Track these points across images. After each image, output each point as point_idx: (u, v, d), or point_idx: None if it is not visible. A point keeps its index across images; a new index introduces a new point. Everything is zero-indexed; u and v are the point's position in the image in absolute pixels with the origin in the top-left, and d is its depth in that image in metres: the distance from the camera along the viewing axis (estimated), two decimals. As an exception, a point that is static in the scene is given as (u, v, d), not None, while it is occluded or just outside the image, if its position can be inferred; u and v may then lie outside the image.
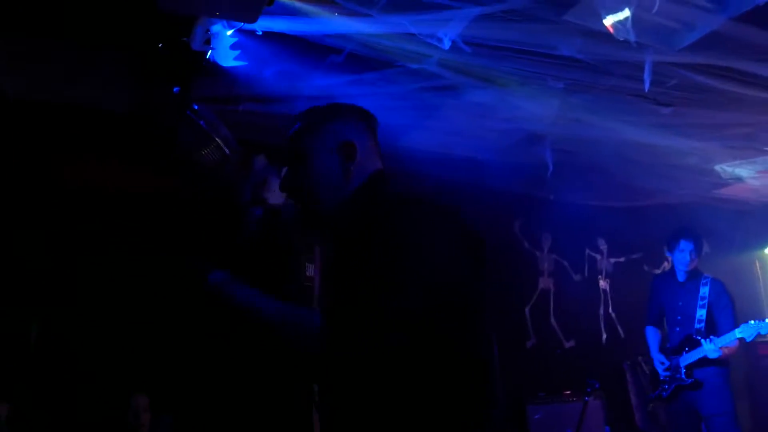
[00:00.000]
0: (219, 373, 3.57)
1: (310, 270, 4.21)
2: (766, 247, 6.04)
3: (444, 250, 1.21)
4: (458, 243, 1.25)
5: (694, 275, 4.19)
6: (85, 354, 3.36)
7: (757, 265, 6.12)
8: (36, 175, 3.25)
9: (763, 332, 3.91)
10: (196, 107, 2.88)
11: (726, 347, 3.93)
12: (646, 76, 3.18)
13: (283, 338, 1.24)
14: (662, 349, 4.24)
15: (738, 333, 3.90)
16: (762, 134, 4.07)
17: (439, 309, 1.13)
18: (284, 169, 1.43)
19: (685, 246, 4.20)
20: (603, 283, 5.60)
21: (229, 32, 2.57)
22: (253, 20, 2.35)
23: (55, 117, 3.12)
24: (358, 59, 3.30)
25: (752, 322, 3.92)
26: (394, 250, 1.15)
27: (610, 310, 5.56)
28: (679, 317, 4.19)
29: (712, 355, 3.93)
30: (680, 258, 4.23)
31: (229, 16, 2.31)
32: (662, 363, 4.14)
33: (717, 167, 4.56)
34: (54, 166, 3.23)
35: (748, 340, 3.94)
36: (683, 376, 4.04)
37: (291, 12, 2.61)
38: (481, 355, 1.20)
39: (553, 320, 5.29)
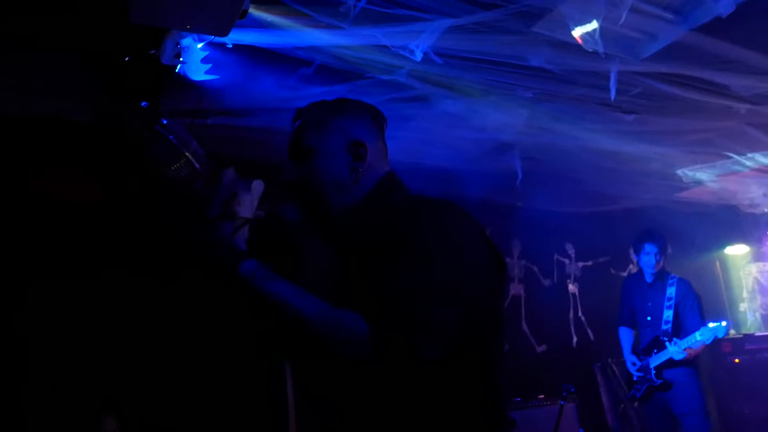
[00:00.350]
0: (191, 392, 3.48)
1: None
2: (725, 247, 6.26)
3: (481, 257, 1.19)
4: (489, 248, 1.23)
5: (661, 276, 4.31)
6: (49, 373, 3.21)
7: (718, 264, 6.33)
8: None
9: (720, 335, 4.03)
10: (165, 122, 2.81)
11: (690, 348, 4.04)
12: (612, 85, 3.26)
13: (326, 342, 1.06)
14: (634, 350, 4.33)
15: (698, 336, 4.02)
16: (720, 139, 4.21)
17: (477, 317, 1.13)
18: (285, 172, 1.33)
19: (649, 249, 4.32)
20: (572, 287, 5.70)
21: (200, 45, 2.53)
22: (225, 33, 2.31)
23: (14, 127, 3.01)
24: (329, 71, 3.29)
25: (711, 325, 4.03)
26: (440, 256, 1.10)
27: (580, 313, 5.66)
28: (648, 318, 4.30)
29: (677, 356, 4.04)
30: (646, 261, 4.35)
31: (201, 29, 2.27)
32: (634, 364, 4.24)
33: (679, 171, 4.70)
34: (12, 178, 3.12)
35: (708, 342, 4.05)
36: (653, 377, 4.14)
37: (262, 25, 2.58)
38: (498, 368, 1.21)
39: (524, 326, 5.35)
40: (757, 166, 4.56)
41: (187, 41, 2.44)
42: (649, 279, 4.35)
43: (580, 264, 5.80)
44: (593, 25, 2.55)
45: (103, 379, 3.22)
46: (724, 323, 4.03)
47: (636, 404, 4.43)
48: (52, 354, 3.10)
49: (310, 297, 1.10)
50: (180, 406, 3.41)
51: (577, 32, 2.61)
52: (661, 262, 4.33)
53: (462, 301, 1.11)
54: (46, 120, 3.04)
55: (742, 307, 6.22)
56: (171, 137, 2.96)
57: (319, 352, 1.10)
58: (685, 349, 4.03)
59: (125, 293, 3.33)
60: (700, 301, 4.23)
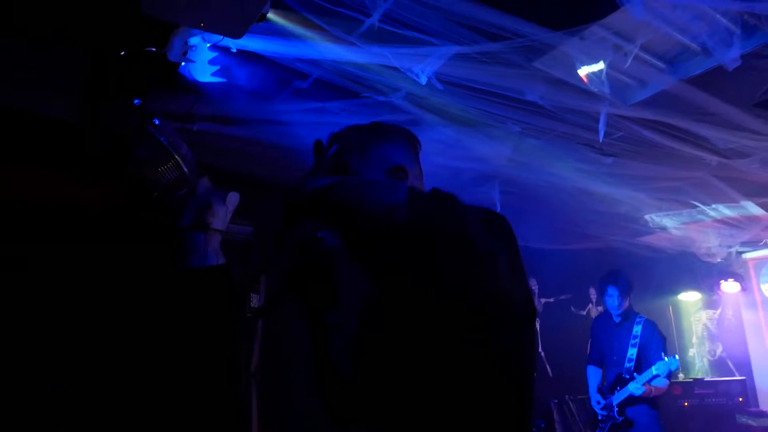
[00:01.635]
0: (148, 405, 3.27)
1: (254, 300, 4.03)
2: (679, 293, 6.49)
3: None
4: None
5: (628, 316, 4.42)
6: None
7: (671, 309, 6.54)
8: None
9: (673, 368, 4.18)
10: (157, 122, 2.69)
11: (652, 386, 4.12)
12: (601, 127, 3.35)
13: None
14: (600, 389, 4.40)
15: (654, 370, 4.14)
16: (689, 188, 4.38)
17: None
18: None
19: (611, 291, 4.44)
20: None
21: (208, 46, 2.45)
22: (239, 36, 2.24)
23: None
24: (324, 86, 3.25)
25: (666, 358, 4.16)
26: None
27: (540, 349, 5.70)
28: (615, 357, 4.38)
29: (637, 392, 4.13)
30: (610, 303, 4.46)
31: (215, 28, 2.19)
32: (598, 402, 4.30)
33: (646, 216, 4.86)
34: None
35: (663, 375, 4.16)
36: (616, 414, 4.20)
37: (273, 32, 2.52)
38: None
39: (487, 358, 5.34)
40: (719, 217, 4.77)
41: (195, 40, 2.35)
42: (616, 319, 4.45)
43: (543, 300, 5.88)
44: (600, 65, 2.61)
45: (59, 391, 3.00)
46: (676, 356, 4.19)
47: None
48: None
49: None
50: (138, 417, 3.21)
51: (584, 71, 2.68)
52: (625, 304, 4.44)
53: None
54: (20, 114, 2.87)
55: (692, 352, 6.44)
56: (162, 138, 2.82)
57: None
58: (644, 384, 4.12)
59: (84, 297, 3.13)
60: (665, 343, 4.35)
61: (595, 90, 2.79)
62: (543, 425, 3.95)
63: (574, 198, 4.50)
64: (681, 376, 6.08)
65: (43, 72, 2.72)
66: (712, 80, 3.04)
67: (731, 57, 2.44)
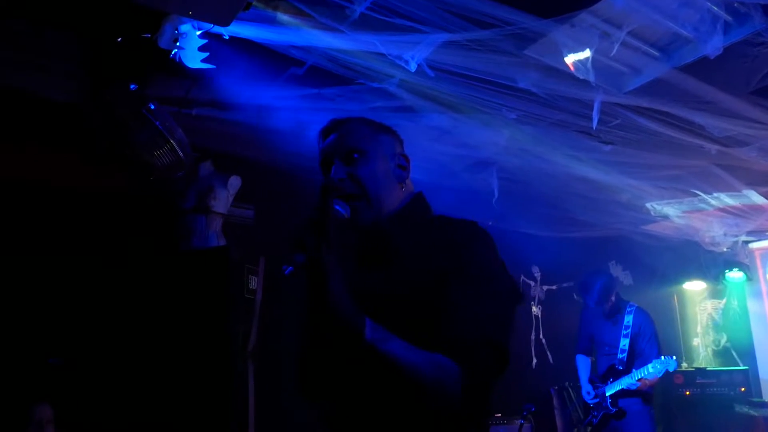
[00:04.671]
0: (132, 380, 3.32)
1: (253, 282, 4.12)
2: (684, 282, 6.45)
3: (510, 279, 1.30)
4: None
5: (618, 306, 4.40)
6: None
7: (675, 298, 6.51)
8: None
9: (670, 369, 4.12)
10: (152, 106, 2.77)
11: (644, 379, 4.12)
12: (595, 114, 3.35)
13: (429, 386, 1.12)
14: (591, 378, 4.42)
15: (650, 368, 4.10)
16: (689, 177, 4.36)
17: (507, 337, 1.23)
18: (336, 171, 1.35)
19: (589, 301, 4.41)
20: (535, 310, 5.79)
21: (198, 33, 2.51)
22: (227, 23, 2.30)
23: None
24: (319, 73, 3.30)
25: (663, 358, 4.12)
26: (497, 285, 1.23)
27: (541, 336, 5.74)
28: (606, 347, 4.39)
29: (631, 387, 4.13)
30: (593, 307, 4.43)
31: (203, 16, 2.25)
32: (588, 393, 4.33)
33: (648, 204, 4.84)
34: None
35: (659, 375, 4.13)
36: (609, 405, 4.23)
37: (262, 19, 2.58)
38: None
39: (487, 343, 5.40)
40: (721, 206, 4.74)
41: (186, 27, 2.42)
42: (606, 309, 4.45)
43: (545, 287, 5.90)
44: (586, 53, 2.63)
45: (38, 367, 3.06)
46: (674, 357, 4.15)
47: (589, 430, 4.51)
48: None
49: (412, 347, 1.14)
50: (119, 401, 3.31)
51: (570, 59, 2.69)
52: (608, 302, 4.35)
53: (512, 325, 1.25)
54: (21, 95, 2.96)
55: (696, 341, 6.41)
56: (157, 123, 2.91)
57: (417, 394, 1.14)
58: (638, 380, 4.12)
59: (75, 278, 3.20)
60: (657, 333, 4.34)
61: (581, 77, 2.80)
62: (533, 409, 3.99)
63: (573, 186, 4.50)
64: (684, 365, 6.07)
65: (45, 57, 2.81)
66: (706, 68, 3.03)
67: (714, 46, 2.43)
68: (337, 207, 1.30)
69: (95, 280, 3.28)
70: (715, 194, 4.55)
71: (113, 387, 3.18)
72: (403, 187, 1.40)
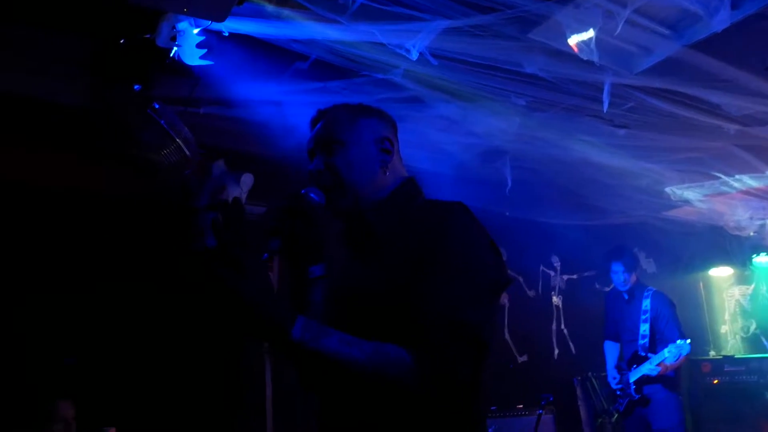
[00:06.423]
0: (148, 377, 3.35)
1: (267, 278, 4.14)
2: (709, 269, 6.29)
3: (495, 269, 1.25)
4: (498, 258, 1.28)
5: (637, 290, 4.34)
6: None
7: (701, 285, 6.36)
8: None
9: (683, 353, 4.04)
10: (157, 106, 2.79)
11: (663, 363, 4.04)
12: (605, 97, 3.27)
13: (377, 381, 1.08)
14: (617, 365, 4.36)
15: (666, 353, 4.03)
16: (710, 159, 4.24)
17: (490, 323, 1.18)
18: (314, 162, 1.37)
19: (616, 268, 4.36)
20: (556, 300, 5.71)
21: (196, 30, 2.52)
22: (222, 19, 2.31)
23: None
24: (324, 67, 3.28)
25: (679, 342, 4.04)
26: (470, 273, 1.16)
27: (563, 326, 5.66)
28: (628, 333, 4.32)
29: (651, 372, 4.05)
30: (615, 279, 4.40)
31: (198, 13, 2.26)
32: (614, 378, 4.27)
33: (667, 189, 4.72)
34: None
35: (674, 360, 4.04)
36: (632, 392, 4.15)
37: (259, 14, 2.57)
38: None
39: (507, 335, 5.35)
40: (744, 188, 4.60)
41: (183, 25, 2.43)
42: (625, 296, 4.38)
43: (566, 277, 5.81)
44: (589, 33, 2.56)
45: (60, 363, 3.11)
46: (688, 341, 4.06)
47: (615, 418, 4.44)
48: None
49: (356, 341, 1.10)
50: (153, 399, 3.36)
51: (573, 40, 2.63)
52: (631, 279, 4.35)
53: (490, 318, 1.19)
54: (30, 101, 3.00)
55: (723, 329, 6.25)
56: (162, 122, 2.92)
57: (367, 388, 1.11)
58: (657, 365, 4.04)
59: (90, 278, 3.24)
60: (677, 314, 4.25)
61: (585, 58, 2.73)
62: (551, 398, 3.93)
63: (589, 172, 4.42)
64: (712, 354, 5.92)
65: (49, 61, 2.85)
66: (719, 45, 2.93)
67: (720, 19, 2.35)
68: (312, 195, 1.31)
69: (110, 279, 3.33)
70: (737, 176, 4.42)
71: (129, 384, 3.23)
72: (386, 172, 1.37)
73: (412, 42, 2.85)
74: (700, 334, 6.02)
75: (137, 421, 3.19)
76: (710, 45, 2.97)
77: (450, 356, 1.09)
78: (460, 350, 1.10)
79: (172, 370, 3.42)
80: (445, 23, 2.79)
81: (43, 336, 3.05)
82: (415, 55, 2.86)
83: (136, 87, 2.82)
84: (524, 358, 5.38)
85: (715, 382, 5.40)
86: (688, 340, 4.02)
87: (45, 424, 3.01)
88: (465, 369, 1.11)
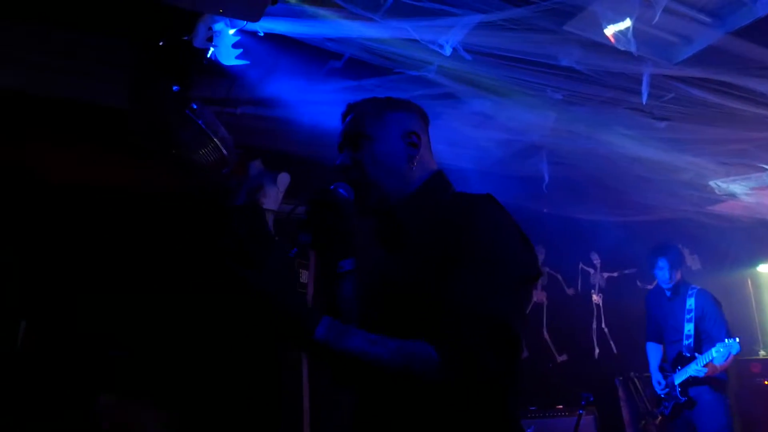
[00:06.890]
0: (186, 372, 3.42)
1: (304, 276, 4.19)
2: (758, 265, 6.07)
3: (525, 263, 1.23)
4: (529, 250, 1.27)
5: (680, 288, 4.22)
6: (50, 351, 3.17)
7: (750, 282, 6.14)
8: (22, 172, 3.20)
9: (733, 352, 3.90)
10: (195, 106, 2.86)
11: (711, 364, 3.90)
12: (644, 89, 3.20)
13: (402, 378, 1.08)
14: (661, 367, 4.24)
15: (714, 352, 3.89)
16: (756, 151, 4.10)
17: (520, 314, 1.16)
18: (341, 157, 1.39)
19: (662, 264, 4.24)
20: (596, 298, 5.60)
21: (232, 31, 2.57)
22: (256, 19, 2.35)
23: (46, 110, 3.07)
24: (358, 65, 3.31)
25: (726, 341, 3.90)
26: (500, 267, 1.15)
27: (603, 325, 5.55)
28: (671, 333, 4.20)
29: (698, 374, 3.93)
30: (660, 276, 4.27)
31: (233, 13, 2.30)
32: (659, 383, 4.16)
33: (711, 183, 4.58)
34: (41, 162, 3.18)
35: (723, 360, 3.89)
36: (678, 394, 4.04)
37: (293, 14, 2.61)
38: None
39: (546, 334, 5.27)
40: (793, 180, 4.43)
41: (219, 26, 2.48)
42: (668, 294, 4.26)
43: (606, 274, 5.70)
44: (626, 23, 2.51)
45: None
46: (737, 339, 3.91)
47: (659, 420, 4.32)
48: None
49: (380, 339, 1.11)
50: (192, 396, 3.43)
51: (610, 30, 2.58)
52: (676, 276, 4.22)
53: (521, 312, 1.16)
54: (75, 103, 3.11)
55: (774, 327, 6.03)
56: (200, 122, 2.99)
57: (394, 385, 1.12)
58: (704, 366, 3.91)
59: (132, 275, 3.33)
60: (723, 313, 4.10)
61: (622, 48, 2.67)
62: (592, 399, 3.84)
63: (628, 167, 4.32)
64: (762, 354, 5.71)
65: (91, 63, 2.95)
66: (764, 30, 2.84)
67: (764, 2, 2.27)
68: (341, 191, 1.32)
69: (153, 277, 3.42)
70: (786, 168, 4.26)
71: (169, 379, 3.31)
72: (413, 166, 1.37)
73: (446, 37, 2.84)
74: (749, 333, 5.81)
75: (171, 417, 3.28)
76: (754, 31, 2.87)
77: (474, 347, 1.07)
78: (485, 340, 1.08)
79: (209, 367, 3.49)
80: (478, 17, 2.77)
81: (94, 332, 3.16)
82: (448, 51, 2.86)
83: (174, 88, 2.89)
84: (564, 357, 5.29)
85: (766, 383, 5.21)
86: (737, 339, 3.88)
87: (88, 415, 3.11)
88: (491, 359, 1.08)
